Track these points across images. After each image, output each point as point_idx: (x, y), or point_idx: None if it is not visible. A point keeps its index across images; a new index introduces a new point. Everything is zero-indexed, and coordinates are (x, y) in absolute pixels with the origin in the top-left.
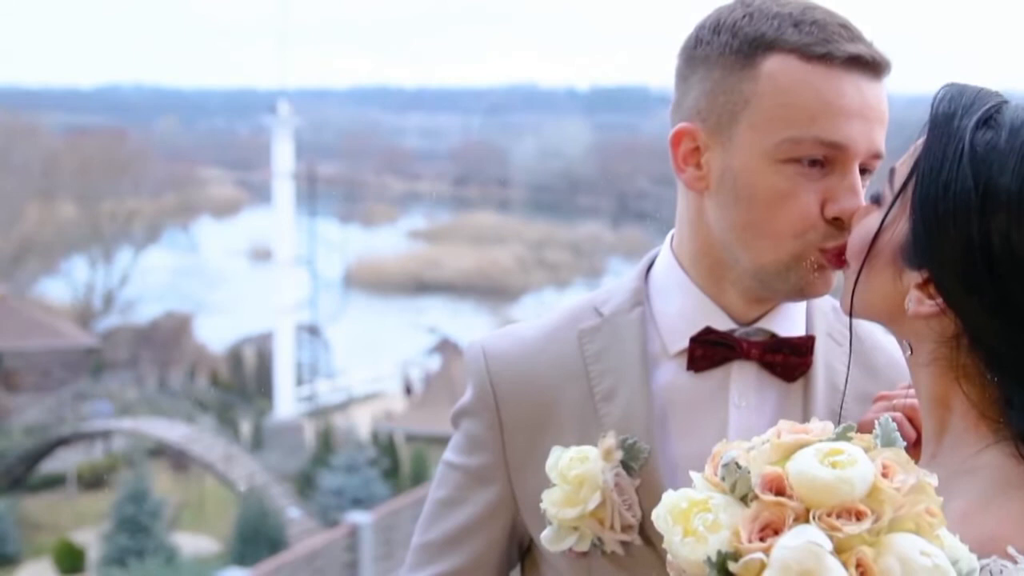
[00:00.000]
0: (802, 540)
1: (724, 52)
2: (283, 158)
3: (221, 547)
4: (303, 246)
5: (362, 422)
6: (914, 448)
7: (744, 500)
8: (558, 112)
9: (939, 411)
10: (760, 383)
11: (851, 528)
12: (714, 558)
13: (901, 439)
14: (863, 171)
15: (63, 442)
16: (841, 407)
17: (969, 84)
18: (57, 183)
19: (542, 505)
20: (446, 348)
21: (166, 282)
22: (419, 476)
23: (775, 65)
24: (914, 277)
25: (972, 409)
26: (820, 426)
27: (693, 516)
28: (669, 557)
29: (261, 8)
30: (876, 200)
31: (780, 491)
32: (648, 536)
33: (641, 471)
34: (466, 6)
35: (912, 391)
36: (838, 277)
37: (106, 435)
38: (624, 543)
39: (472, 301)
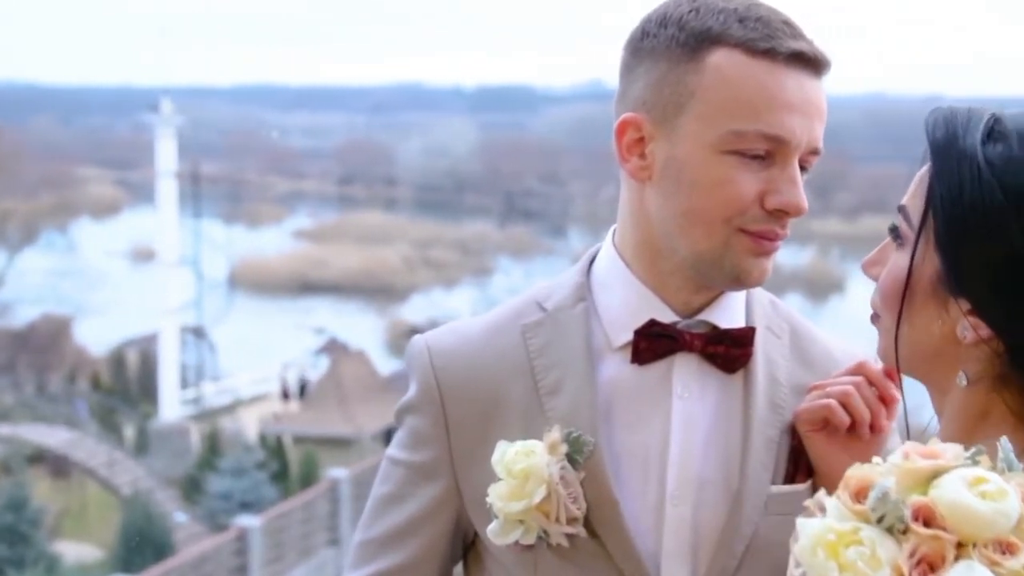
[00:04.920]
0: None
1: (670, 45)
2: (165, 157)
3: (105, 554)
4: (187, 246)
5: (249, 424)
6: (848, 432)
7: (890, 530)
8: (444, 111)
9: (973, 422)
10: (702, 374)
11: (1012, 563)
12: None
13: (1018, 462)
14: (801, 167)
15: None
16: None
17: (955, 105)
18: None
19: (488, 499)
20: (334, 349)
21: (43, 284)
22: (308, 478)
23: (721, 59)
24: (961, 305)
25: (1010, 416)
26: (951, 449)
27: (842, 550)
28: None
29: (141, 2)
30: (895, 236)
31: (928, 522)
32: (593, 528)
33: (586, 464)
34: (350, 4)
35: (844, 378)
36: (772, 266)
37: None
38: (569, 535)
39: (359, 301)
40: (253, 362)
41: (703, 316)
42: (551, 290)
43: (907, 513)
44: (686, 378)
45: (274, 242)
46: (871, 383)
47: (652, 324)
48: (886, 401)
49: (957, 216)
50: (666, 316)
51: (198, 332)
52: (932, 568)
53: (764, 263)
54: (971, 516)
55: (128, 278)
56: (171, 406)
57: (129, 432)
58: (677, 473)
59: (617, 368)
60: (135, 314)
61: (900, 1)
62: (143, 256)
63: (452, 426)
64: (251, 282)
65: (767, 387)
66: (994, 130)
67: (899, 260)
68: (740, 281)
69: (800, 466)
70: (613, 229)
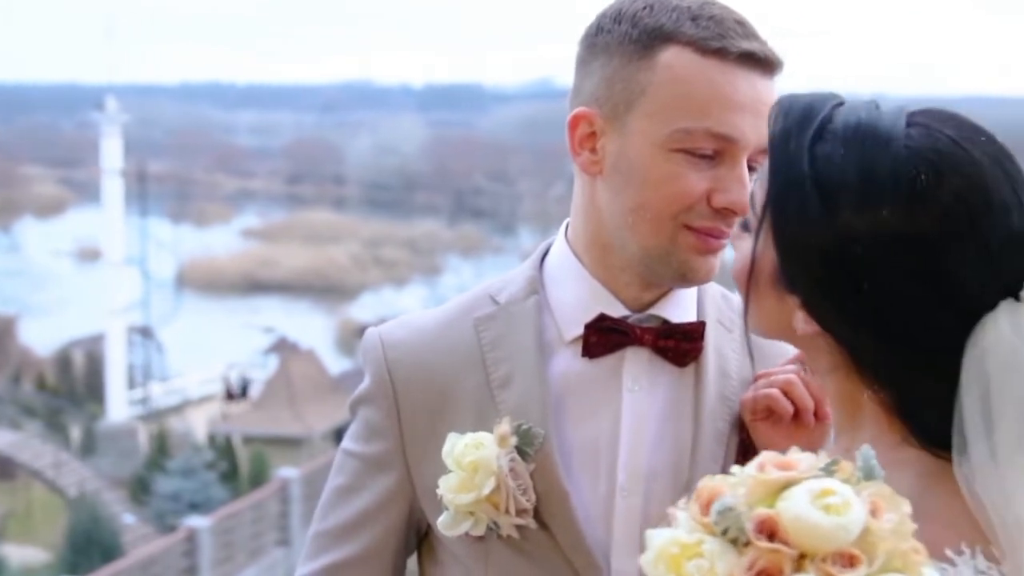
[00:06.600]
0: None
1: (624, 41)
2: (111, 155)
3: (51, 557)
4: (133, 246)
5: (198, 424)
6: (793, 420)
7: (735, 542)
8: (393, 109)
9: (851, 409)
10: (652, 368)
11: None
12: None
13: (880, 469)
14: (749, 167)
15: None
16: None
17: (800, 94)
18: None
19: (438, 491)
20: (283, 348)
21: None
22: (258, 478)
23: (672, 57)
24: (795, 299)
25: (882, 409)
26: (806, 460)
27: (685, 562)
28: None
29: None
30: (746, 226)
31: (773, 534)
32: (543, 520)
33: (536, 456)
34: (298, 3)
35: (788, 367)
36: (720, 264)
37: None
38: (519, 527)
39: (308, 300)
40: (201, 362)
41: (654, 310)
42: (504, 284)
43: (748, 526)
44: (636, 372)
45: (222, 241)
46: None
47: (602, 318)
48: None
49: (784, 214)
50: (617, 310)
51: (145, 332)
52: None
53: (711, 260)
54: (811, 529)
55: (73, 278)
56: (118, 407)
57: (76, 433)
58: (627, 465)
59: (568, 362)
60: (81, 314)
61: (850, 5)
62: (89, 255)
63: (404, 418)
64: (199, 281)
65: (717, 380)
66: (826, 129)
67: (745, 247)
68: (687, 278)
69: (749, 458)
70: (566, 223)
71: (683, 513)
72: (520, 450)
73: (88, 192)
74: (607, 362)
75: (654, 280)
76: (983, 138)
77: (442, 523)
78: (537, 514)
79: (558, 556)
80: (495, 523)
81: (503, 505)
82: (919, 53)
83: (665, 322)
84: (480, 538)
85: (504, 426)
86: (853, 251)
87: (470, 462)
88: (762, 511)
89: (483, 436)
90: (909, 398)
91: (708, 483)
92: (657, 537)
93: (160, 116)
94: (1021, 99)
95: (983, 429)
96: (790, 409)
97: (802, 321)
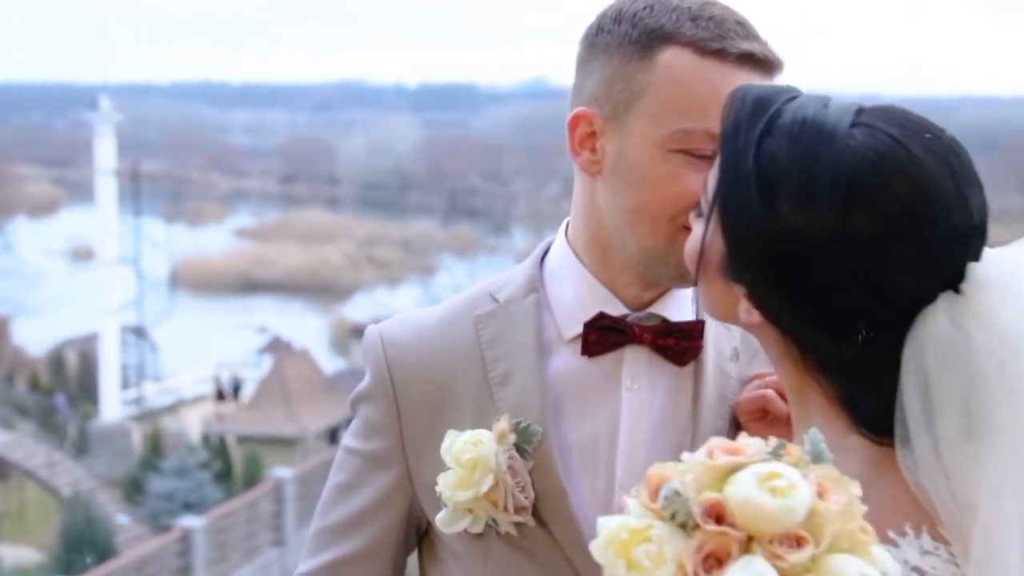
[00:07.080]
0: (750, 574)
1: (623, 42)
2: (105, 155)
3: (44, 557)
4: (127, 245)
5: (192, 424)
6: (788, 423)
7: (684, 527)
8: (387, 109)
9: (800, 399)
10: (651, 367)
11: (795, 557)
12: None
13: (828, 452)
14: None
15: None
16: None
17: (755, 86)
18: None
19: (437, 488)
20: (277, 348)
21: None
22: (252, 478)
23: (671, 57)
24: (741, 289)
25: (827, 399)
26: (754, 445)
27: (634, 548)
28: None
29: None
30: (697, 212)
31: (720, 518)
32: (541, 518)
33: (534, 454)
34: (293, 2)
35: None
36: None
37: None
38: (518, 524)
39: (302, 300)
40: (195, 362)
41: (653, 309)
42: (504, 282)
43: (696, 510)
44: (635, 371)
45: (216, 241)
46: None
47: (601, 317)
48: None
49: (731, 208)
50: (616, 309)
51: (139, 332)
52: (720, 563)
53: None
54: (758, 512)
55: (67, 277)
56: (112, 406)
57: (70, 433)
58: (626, 463)
59: (568, 360)
60: (74, 314)
61: (849, 5)
62: (82, 255)
63: (404, 415)
64: (193, 281)
65: (717, 379)
66: (774, 124)
67: (697, 231)
68: (685, 279)
69: None
70: (567, 222)
71: (633, 500)
72: (519, 447)
73: (81, 192)
74: (606, 361)
75: (653, 280)
76: (928, 135)
77: (441, 520)
78: (536, 512)
79: (557, 553)
80: (494, 520)
81: (501, 502)
82: (918, 53)
83: (664, 321)
84: (479, 535)
85: (503, 423)
86: (793, 248)
87: (469, 459)
88: (709, 495)
89: (482, 433)
90: (852, 389)
91: (657, 469)
92: (608, 524)
93: (153, 115)
94: (1020, 99)
95: (924, 423)
96: (786, 410)
97: (745, 311)
